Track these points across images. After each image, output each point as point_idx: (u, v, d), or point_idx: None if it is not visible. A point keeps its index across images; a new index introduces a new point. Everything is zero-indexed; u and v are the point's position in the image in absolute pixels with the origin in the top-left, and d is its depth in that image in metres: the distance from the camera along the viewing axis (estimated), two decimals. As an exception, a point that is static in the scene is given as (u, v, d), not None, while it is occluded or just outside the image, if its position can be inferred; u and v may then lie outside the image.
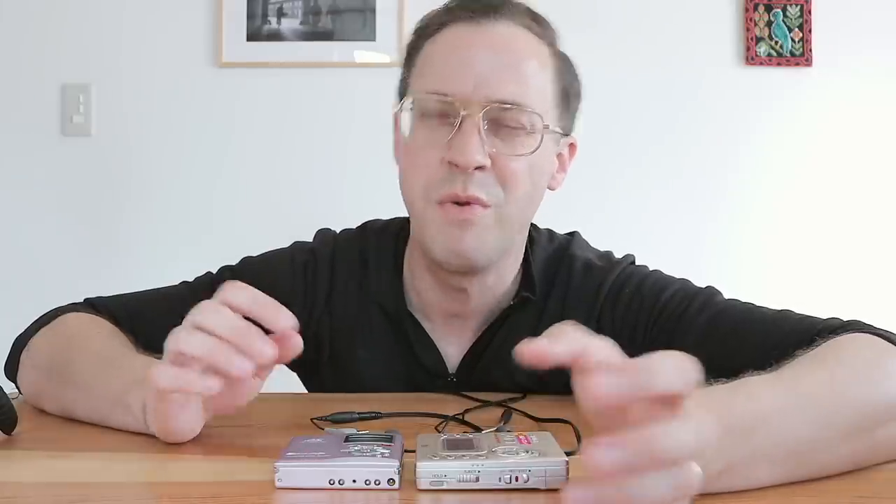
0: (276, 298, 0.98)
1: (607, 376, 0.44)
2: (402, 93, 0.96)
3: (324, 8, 2.14)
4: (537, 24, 0.94)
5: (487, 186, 0.88)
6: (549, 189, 0.99)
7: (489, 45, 0.89)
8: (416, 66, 0.95)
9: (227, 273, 1.03)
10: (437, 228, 0.90)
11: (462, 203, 0.88)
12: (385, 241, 1.03)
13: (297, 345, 0.67)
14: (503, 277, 0.98)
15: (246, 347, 0.63)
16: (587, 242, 1.06)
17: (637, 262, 1.03)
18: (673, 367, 0.46)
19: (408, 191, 0.93)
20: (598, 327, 0.97)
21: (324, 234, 1.07)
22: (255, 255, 1.07)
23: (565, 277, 1.00)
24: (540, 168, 0.93)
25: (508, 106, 0.87)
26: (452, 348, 1.00)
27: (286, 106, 2.16)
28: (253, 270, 1.03)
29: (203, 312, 0.65)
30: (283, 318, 0.66)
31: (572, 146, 1.01)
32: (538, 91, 0.91)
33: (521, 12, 0.93)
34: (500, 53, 0.89)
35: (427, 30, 0.94)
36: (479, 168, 0.87)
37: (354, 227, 1.08)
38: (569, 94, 0.96)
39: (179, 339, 0.65)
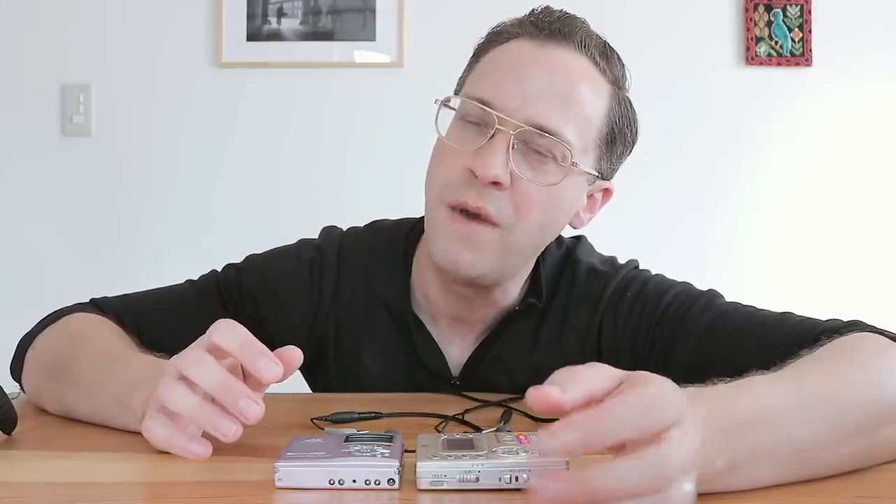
0: (281, 296, 1.00)
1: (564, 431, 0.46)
2: (458, 88, 0.96)
3: (324, 8, 2.14)
4: (605, 59, 0.91)
5: (500, 206, 0.86)
6: (572, 227, 0.97)
7: (545, 68, 0.87)
8: (475, 69, 0.94)
9: (233, 271, 1.03)
10: (440, 233, 0.90)
11: (471, 215, 0.87)
12: (395, 239, 1.03)
13: (297, 362, 0.67)
14: (509, 292, 0.98)
15: (230, 405, 0.62)
16: (592, 247, 1.06)
17: (640, 267, 1.03)
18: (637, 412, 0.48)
19: (427, 187, 0.93)
20: (600, 331, 0.97)
21: (330, 232, 1.06)
22: (259, 252, 1.06)
23: (569, 282, 1.00)
24: (560, 202, 0.90)
25: (543, 133, 0.86)
26: (456, 350, 1.00)
27: (286, 106, 2.16)
28: (258, 268, 1.03)
29: (189, 362, 0.64)
30: (268, 370, 0.63)
31: (607, 191, 0.98)
32: (582, 124, 0.88)
33: (592, 45, 0.90)
34: (553, 79, 0.87)
35: (497, 36, 0.93)
36: (497, 185, 0.85)
37: (361, 225, 1.08)
38: (616, 137, 0.92)
39: (166, 393, 0.64)
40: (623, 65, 0.94)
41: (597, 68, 0.90)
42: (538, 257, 0.99)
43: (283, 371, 0.65)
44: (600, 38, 0.93)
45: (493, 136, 0.85)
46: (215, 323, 0.67)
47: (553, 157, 0.87)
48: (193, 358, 0.64)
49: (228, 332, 0.65)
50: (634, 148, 0.98)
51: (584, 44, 0.89)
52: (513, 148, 0.85)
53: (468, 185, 0.87)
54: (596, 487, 0.46)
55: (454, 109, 0.93)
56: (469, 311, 0.98)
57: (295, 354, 0.67)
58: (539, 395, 0.49)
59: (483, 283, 0.93)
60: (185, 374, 0.63)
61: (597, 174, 0.93)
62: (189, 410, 0.63)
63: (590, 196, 0.96)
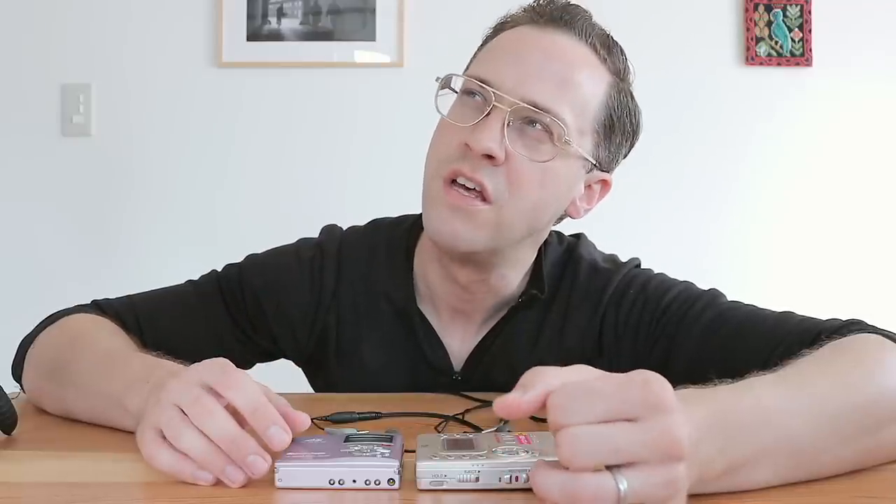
0: (282, 292, 1.00)
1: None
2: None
3: (324, 8, 2.14)
4: (606, 49, 0.92)
5: (495, 181, 0.87)
6: (570, 217, 0.98)
7: (544, 51, 0.89)
8: (478, 55, 0.96)
9: (234, 269, 1.04)
10: (435, 205, 0.90)
11: (466, 188, 0.87)
12: (397, 234, 1.03)
13: (302, 427, 0.63)
14: (507, 279, 0.97)
15: (240, 461, 0.59)
16: (593, 244, 1.06)
17: (642, 266, 1.03)
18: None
19: (426, 164, 0.93)
20: (602, 327, 0.98)
21: (330, 230, 1.07)
22: (259, 252, 1.07)
23: (571, 278, 1.00)
24: (554, 182, 0.90)
25: (538, 110, 0.86)
26: (458, 344, 1.00)
27: (286, 106, 2.16)
28: (259, 266, 1.04)
29: (199, 411, 0.60)
30: (278, 439, 0.59)
31: (605, 183, 0.98)
32: (578, 106, 0.89)
33: (593, 34, 0.92)
34: (550, 61, 0.88)
35: (502, 25, 0.96)
36: (491, 159, 0.86)
37: (361, 224, 1.08)
38: (615, 126, 0.93)
39: (172, 431, 0.60)
40: (626, 58, 0.95)
41: (597, 56, 0.91)
42: (540, 250, 0.99)
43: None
44: (603, 29, 0.94)
45: (489, 112, 0.87)
46: (229, 374, 0.62)
47: (549, 136, 0.88)
48: (204, 408, 0.60)
49: (244, 393, 0.61)
50: (636, 142, 0.98)
51: (585, 32, 0.91)
52: (508, 125, 0.86)
53: (463, 157, 0.88)
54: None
55: (457, 93, 0.93)
56: (469, 299, 0.98)
57: (301, 421, 0.63)
58: (502, 403, 0.51)
59: (478, 259, 0.92)
60: (195, 423, 0.60)
61: (594, 162, 0.93)
62: (199, 455, 0.59)
63: (588, 187, 0.97)
